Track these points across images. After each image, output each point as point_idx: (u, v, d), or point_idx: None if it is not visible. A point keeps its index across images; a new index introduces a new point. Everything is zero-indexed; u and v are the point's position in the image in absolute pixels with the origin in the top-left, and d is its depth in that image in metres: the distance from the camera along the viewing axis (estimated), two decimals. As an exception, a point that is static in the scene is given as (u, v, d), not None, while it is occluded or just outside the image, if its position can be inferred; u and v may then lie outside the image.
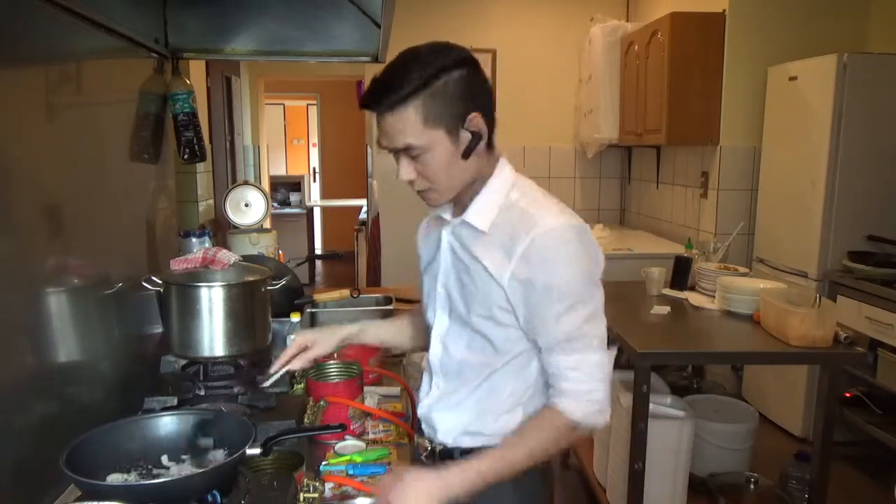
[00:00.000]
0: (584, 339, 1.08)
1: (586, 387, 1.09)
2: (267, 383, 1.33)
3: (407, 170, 1.10)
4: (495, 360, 1.15)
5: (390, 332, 1.46)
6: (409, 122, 1.04)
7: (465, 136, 1.07)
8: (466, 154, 1.08)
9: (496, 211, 1.12)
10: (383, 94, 1.04)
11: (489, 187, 1.14)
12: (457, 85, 1.05)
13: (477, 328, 1.15)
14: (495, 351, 1.14)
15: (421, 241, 1.33)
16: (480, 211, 1.13)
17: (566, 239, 1.06)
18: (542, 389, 1.16)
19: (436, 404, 1.24)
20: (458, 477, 1.05)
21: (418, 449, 1.30)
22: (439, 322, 1.23)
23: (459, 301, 1.17)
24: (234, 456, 1.05)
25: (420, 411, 1.28)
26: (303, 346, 1.32)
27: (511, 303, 1.10)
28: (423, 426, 1.27)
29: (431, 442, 1.24)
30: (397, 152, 1.09)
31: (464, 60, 1.06)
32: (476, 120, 1.07)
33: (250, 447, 1.07)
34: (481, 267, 1.11)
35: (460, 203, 1.17)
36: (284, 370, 1.31)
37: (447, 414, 1.22)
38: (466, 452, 1.17)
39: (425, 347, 1.36)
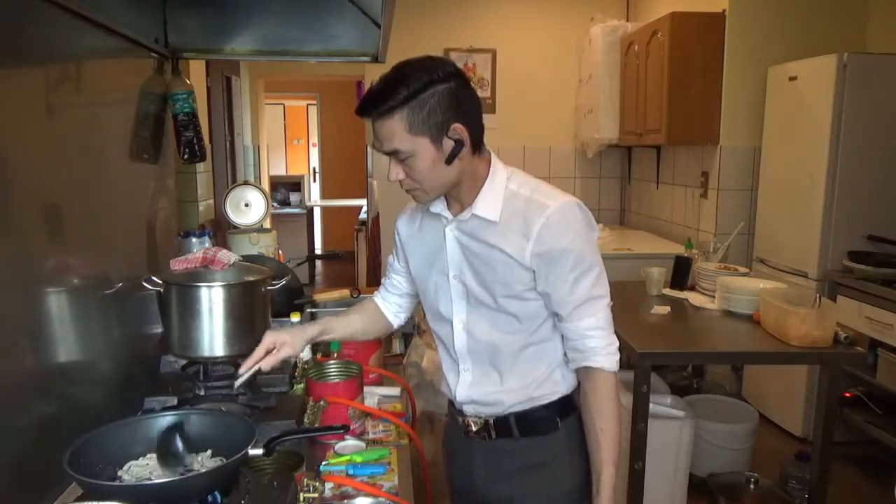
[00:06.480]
0: (597, 300, 1.23)
1: (608, 340, 1.24)
2: (237, 383, 1.32)
3: (395, 171, 1.21)
4: (522, 331, 1.27)
5: (356, 325, 1.50)
6: (396, 130, 1.14)
7: (448, 144, 1.17)
8: (450, 160, 1.18)
9: (501, 202, 1.23)
10: (373, 104, 1.14)
11: (490, 184, 1.24)
12: (441, 97, 1.13)
13: (503, 308, 1.26)
14: (520, 323, 1.26)
15: (410, 239, 1.39)
16: (488, 204, 1.24)
17: (573, 213, 1.21)
18: None
19: (475, 385, 1.32)
20: (605, 498, 1.23)
21: (456, 430, 1.39)
22: (458, 312, 1.31)
23: (477, 287, 1.27)
24: (237, 456, 1.05)
25: (459, 398, 1.35)
26: (271, 346, 1.33)
27: (535, 278, 1.22)
28: (465, 408, 1.35)
29: (479, 417, 1.33)
30: (387, 154, 1.20)
31: (450, 75, 1.15)
32: (458, 129, 1.16)
33: (252, 448, 1.07)
34: (500, 252, 1.22)
35: (458, 201, 1.27)
36: (254, 370, 1.32)
37: (491, 389, 1.30)
38: (521, 417, 1.30)
39: (384, 333, 1.54)
